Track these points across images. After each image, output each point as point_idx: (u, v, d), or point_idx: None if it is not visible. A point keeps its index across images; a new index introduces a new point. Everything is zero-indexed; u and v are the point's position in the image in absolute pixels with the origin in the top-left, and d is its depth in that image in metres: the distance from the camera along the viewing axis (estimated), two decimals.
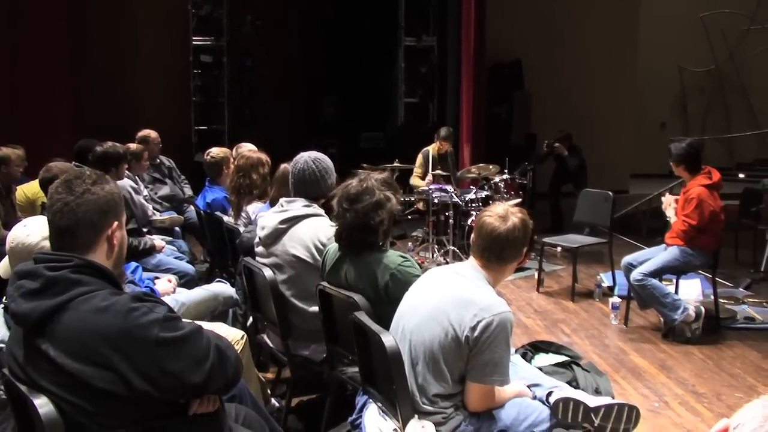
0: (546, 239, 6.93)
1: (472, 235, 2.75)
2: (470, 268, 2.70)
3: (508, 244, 2.62)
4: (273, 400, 3.91)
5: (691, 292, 6.02)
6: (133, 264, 4.18)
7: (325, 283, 3.23)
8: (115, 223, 2.09)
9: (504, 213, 2.65)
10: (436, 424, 2.54)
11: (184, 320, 2.04)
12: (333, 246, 3.29)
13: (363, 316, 2.75)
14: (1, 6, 7.92)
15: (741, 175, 11.67)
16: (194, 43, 11.30)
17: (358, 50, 12.79)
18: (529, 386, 2.82)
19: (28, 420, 1.96)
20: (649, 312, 5.65)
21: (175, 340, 1.94)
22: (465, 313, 2.51)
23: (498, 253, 2.64)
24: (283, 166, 4.40)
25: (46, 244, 2.61)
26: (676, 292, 5.44)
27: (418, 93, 12.03)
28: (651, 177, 11.99)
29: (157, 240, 5.34)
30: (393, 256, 3.09)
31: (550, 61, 11.04)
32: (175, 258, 5.47)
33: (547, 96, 10.88)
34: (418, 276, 2.94)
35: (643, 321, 5.74)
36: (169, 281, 4.21)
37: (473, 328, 2.47)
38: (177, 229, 6.57)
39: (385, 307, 2.93)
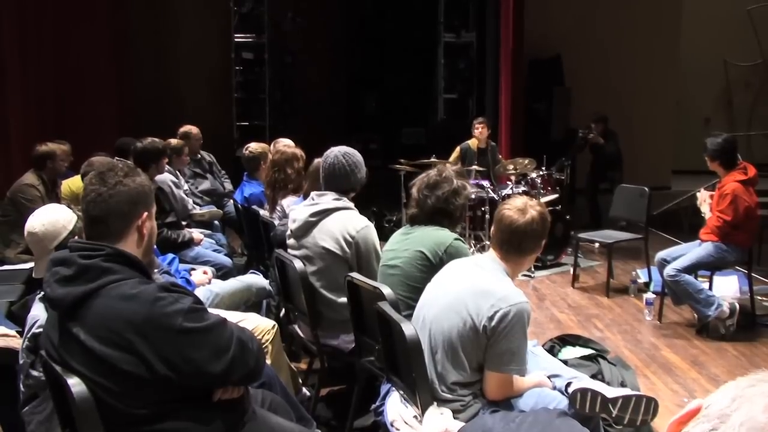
0: (581, 235, 6.91)
1: (492, 228, 2.80)
2: (489, 259, 2.76)
3: (526, 236, 2.67)
4: (304, 389, 4.00)
5: (728, 288, 5.96)
6: (170, 255, 4.31)
7: (353, 275, 3.31)
8: (145, 214, 2.19)
9: (522, 206, 2.70)
10: (455, 412, 2.59)
11: (209, 312, 2.14)
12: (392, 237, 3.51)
13: (386, 306, 2.82)
14: (45, 7, 8.14)
15: None
16: (236, 40, 11.46)
17: (398, 46, 12.86)
18: (549, 377, 2.86)
19: (63, 398, 2.08)
20: (683, 308, 5.60)
21: (198, 330, 2.03)
22: (483, 303, 2.56)
23: (516, 246, 2.70)
24: (316, 160, 4.48)
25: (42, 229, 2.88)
26: (711, 288, 5.40)
27: (457, 89, 12.04)
28: (694, 173, 11.77)
29: (196, 233, 5.47)
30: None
31: (589, 56, 10.92)
32: (213, 251, 5.61)
33: (586, 91, 10.75)
34: (467, 254, 3.15)
35: (677, 317, 5.70)
36: (205, 273, 4.34)
37: (490, 318, 2.53)
38: (217, 222, 6.71)
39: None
